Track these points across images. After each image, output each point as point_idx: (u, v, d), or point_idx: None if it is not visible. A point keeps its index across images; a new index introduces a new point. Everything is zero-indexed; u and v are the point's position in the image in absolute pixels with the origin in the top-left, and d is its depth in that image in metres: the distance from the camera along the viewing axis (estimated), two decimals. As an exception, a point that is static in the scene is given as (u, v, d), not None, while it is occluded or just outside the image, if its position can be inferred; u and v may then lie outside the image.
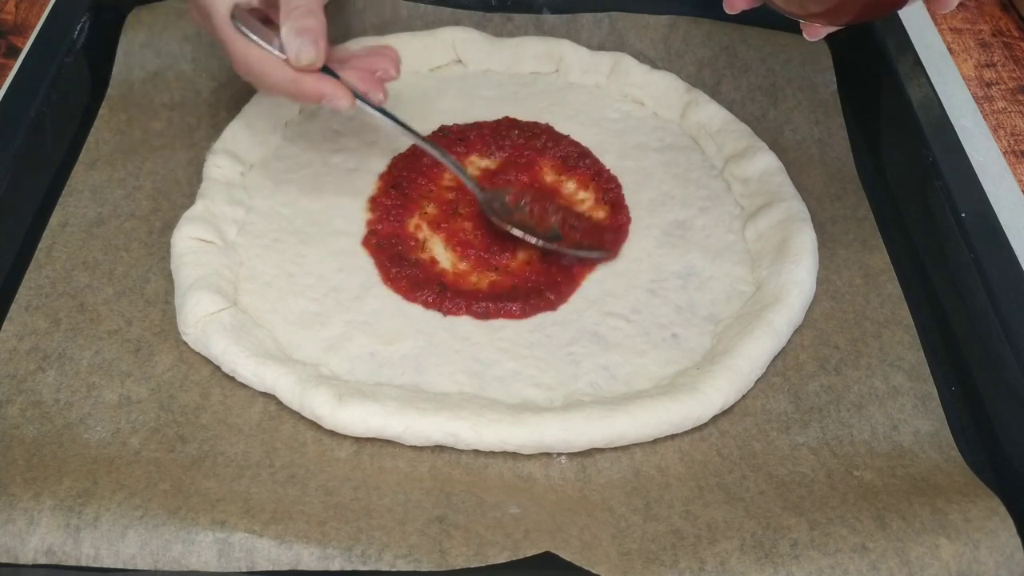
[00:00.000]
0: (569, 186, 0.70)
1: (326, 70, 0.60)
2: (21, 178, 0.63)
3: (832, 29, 0.60)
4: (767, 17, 0.80)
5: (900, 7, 0.53)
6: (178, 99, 0.74)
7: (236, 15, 0.59)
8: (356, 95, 0.61)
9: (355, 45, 0.73)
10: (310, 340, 0.60)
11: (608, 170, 0.72)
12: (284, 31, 0.58)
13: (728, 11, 0.60)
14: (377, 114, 0.62)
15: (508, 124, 0.74)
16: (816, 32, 0.61)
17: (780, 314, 0.60)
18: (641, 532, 0.50)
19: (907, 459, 0.54)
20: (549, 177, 0.71)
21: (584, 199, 0.70)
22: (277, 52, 0.58)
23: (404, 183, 0.70)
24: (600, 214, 0.69)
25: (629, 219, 0.69)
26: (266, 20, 0.61)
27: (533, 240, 0.64)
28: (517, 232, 0.64)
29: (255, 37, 0.59)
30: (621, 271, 0.66)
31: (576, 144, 0.73)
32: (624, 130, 0.76)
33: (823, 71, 0.77)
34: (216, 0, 0.59)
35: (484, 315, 0.62)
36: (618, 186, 0.71)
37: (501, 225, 0.64)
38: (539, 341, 0.61)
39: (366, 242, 0.66)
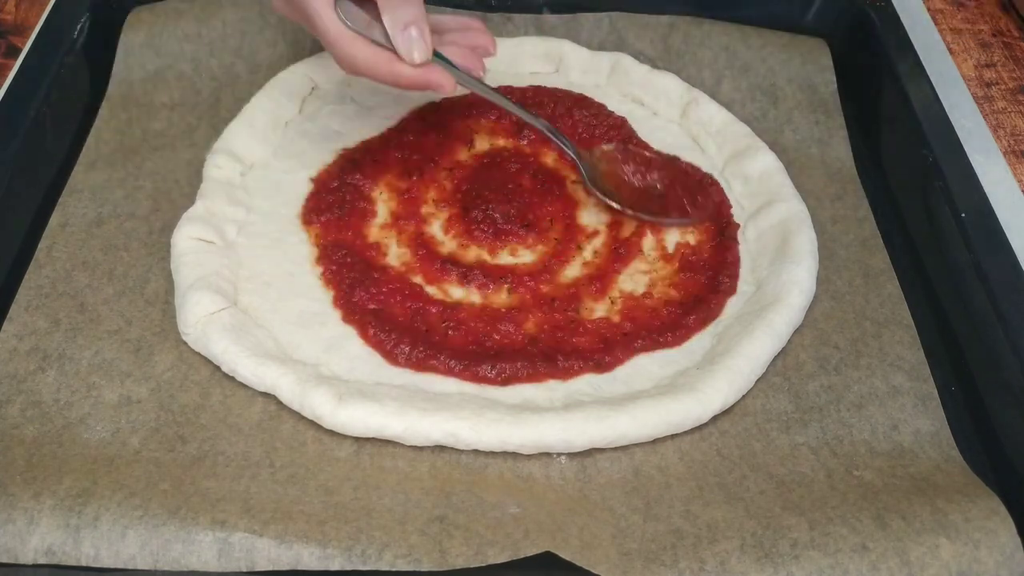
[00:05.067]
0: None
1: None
2: (21, 178, 0.63)
3: None
4: (767, 17, 0.80)
5: None
6: (178, 99, 0.74)
7: (340, 8, 0.57)
8: (456, 73, 0.61)
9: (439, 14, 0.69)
10: (310, 340, 0.60)
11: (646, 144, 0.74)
12: (388, 23, 0.57)
13: None
14: (477, 88, 0.64)
15: (537, 92, 0.76)
16: None
17: (780, 314, 0.60)
18: (641, 532, 0.50)
19: (907, 459, 0.54)
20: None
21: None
22: (387, 46, 0.57)
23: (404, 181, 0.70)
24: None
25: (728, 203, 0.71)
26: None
27: (642, 215, 0.67)
28: (628, 210, 0.66)
29: (368, 34, 0.57)
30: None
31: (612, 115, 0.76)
32: (624, 130, 0.76)
33: (823, 71, 0.77)
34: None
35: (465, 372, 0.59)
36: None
37: (606, 201, 0.66)
38: (539, 341, 0.61)
39: (366, 242, 0.66)
